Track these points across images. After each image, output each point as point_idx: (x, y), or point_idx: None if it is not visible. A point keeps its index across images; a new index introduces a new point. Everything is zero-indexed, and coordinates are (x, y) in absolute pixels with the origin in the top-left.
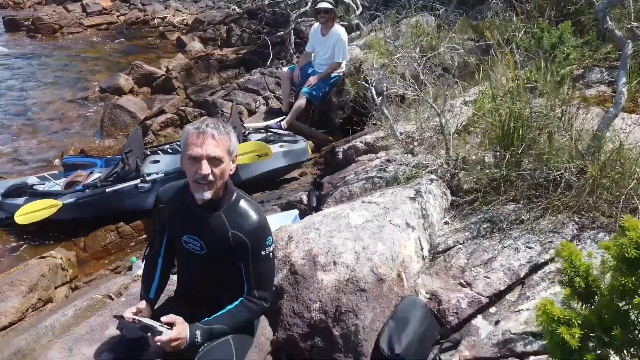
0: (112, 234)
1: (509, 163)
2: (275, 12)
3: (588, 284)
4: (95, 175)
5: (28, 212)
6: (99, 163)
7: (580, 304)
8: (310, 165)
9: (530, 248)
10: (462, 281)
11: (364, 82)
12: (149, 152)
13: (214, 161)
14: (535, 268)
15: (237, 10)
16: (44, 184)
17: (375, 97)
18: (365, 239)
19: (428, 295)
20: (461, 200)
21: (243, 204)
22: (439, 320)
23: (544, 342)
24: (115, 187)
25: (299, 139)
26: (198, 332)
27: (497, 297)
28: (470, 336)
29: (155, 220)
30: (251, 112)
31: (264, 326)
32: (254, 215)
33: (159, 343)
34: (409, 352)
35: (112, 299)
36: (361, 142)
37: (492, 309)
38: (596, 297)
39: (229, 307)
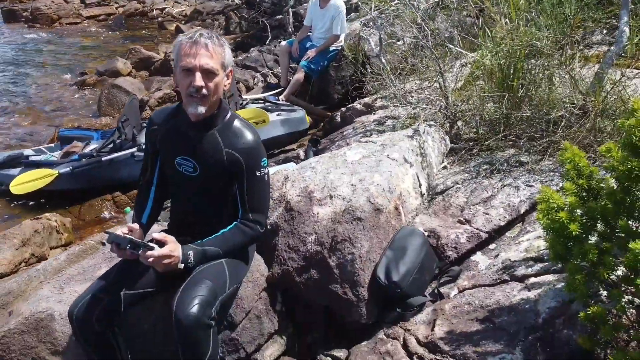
0: (109, 203)
1: (508, 104)
2: (274, 2)
3: (591, 187)
4: (92, 147)
5: (23, 182)
6: (95, 136)
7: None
8: (308, 140)
9: (530, 186)
10: (462, 219)
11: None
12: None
13: (208, 74)
14: (536, 205)
15: (236, 0)
16: (40, 155)
17: (373, 46)
18: (362, 173)
19: (427, 233)
20: (460, 145)
21: (237, 123)
22: (437, 255)
23: (544, 265)
24: (112, 156)
25: (297, 108)
26: (191, 253)
27: (496, 233)
28: (470, 270)
29: (147, 145)
30: (249, 88)
31: (258, 263)
32: (248, 135)
33: (150, 259)
34: (406, 281)
35: (105, 245)
36: (359, 104)
37: (492, 245)
38: (600, 199)
39: (223, 230)
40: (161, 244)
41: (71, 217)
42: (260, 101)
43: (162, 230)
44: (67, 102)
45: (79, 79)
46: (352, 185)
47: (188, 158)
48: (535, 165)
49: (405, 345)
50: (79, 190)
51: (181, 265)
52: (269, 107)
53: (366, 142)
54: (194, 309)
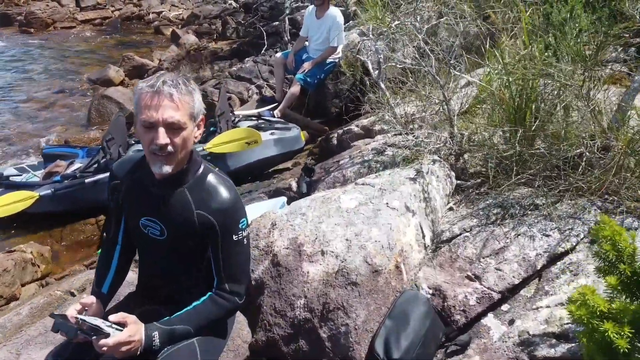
0: (92, 227)
1: (521, 140)
2: (272, 7)
3: (635, 272)
4: (76, 166)
5: (2, 205)
6: (80, 153)
7: (625, 296)
8: (305, 156)
9: (547, 236)
10: (470, 274)
11: (361, 59)
12: (133, 142)
13: (174, 129)
14: (554, 259)
15: (234, 4)
16: (22, 175)
17: (371, 70)
18: (358, 225)
19: (431, 291)
20: (467, 184)
21: (211, 178)
22: (443, 319)
23: (570, 345)
24: (96, 178)
25: (291, 126)
26: (156, 334)
27: (510, 293)
28: (481, 338)
29: (109, 201)
30: (243, 101)
31: (241, 327)
32: (224, 193)
33: (104, 348)
34: (409, 357)
35: (74, 295)
36: (357, 127)
37: (505, 307)
38: None
39: (195, 303)
40: (119, 325)
41: (51, 242)
42: (253, 118)
43: (129, 294)
44: (56, 112)
45: (70, 86)
46: (346, 240)
47: (154, 220)
48: (552, 209)
49: None
50: (61, 213)
51: (142, 349)
52: (262, 125)
53: (363, 184)
54: None
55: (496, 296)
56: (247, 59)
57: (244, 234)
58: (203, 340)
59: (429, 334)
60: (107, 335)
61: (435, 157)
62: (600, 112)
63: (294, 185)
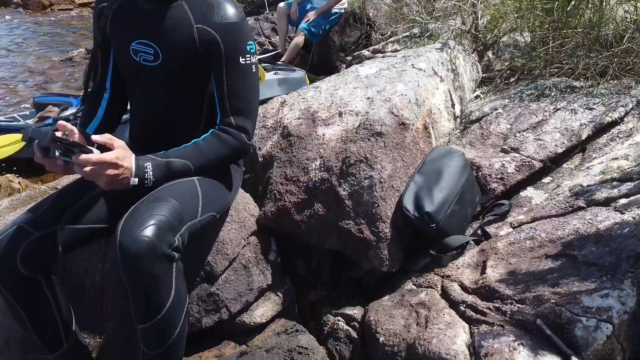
0: None
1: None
2: None
3: None
4: (70, 111)
5: None
6: (74, 102)
7: None
8: None
9: (590, 109)
10: (506, 147)
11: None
12: None
13: None
14: (600, 130)
15: None
16: (12, 122)
17: None
18: (381, 84)
19: None
20: (494, 74)
21: None
22: (480, 185)
23: (637, 182)
24: None
25: (295, 68)
26: (149, 166)
27: (553, 163)
28: (522, 207)
29: (95, 35)
30: None
31: (246, 201)
32: (228, 7)
33: (87, 167)
34: (443, 212)
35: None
36: (368, 51)
37: (546, 179)
38: None
39: (195, 140)
40: (104, 149)
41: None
42: None
43: None
44: (52, 77)
45: (67, 56)
46: (368, 98)
47: (147, 42)
48: (594, 86)
49: (445, 294)
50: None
51: (134, 181)
52: (266, 67)
53: (382, 56)
54: (148, 230)
55: (537, 165)
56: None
57: (253, 60)
58: (205, 182)
59: (465, 192)
60: (90, 151)
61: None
62: None
63: None
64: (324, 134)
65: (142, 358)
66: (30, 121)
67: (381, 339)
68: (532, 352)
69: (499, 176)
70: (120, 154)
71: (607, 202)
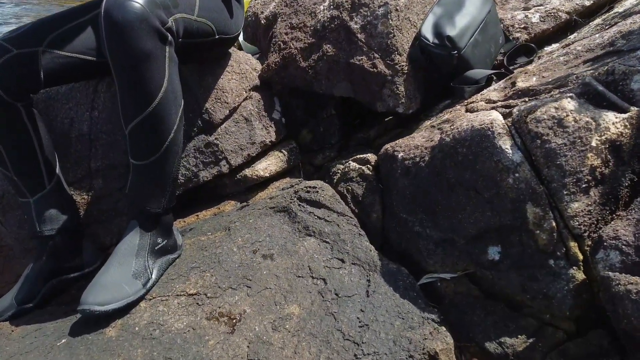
0: None
1: None
2: None
3: None
4: None
5: None
6: None
7: None
8: None
9: None
10: (528, 5)
11: None
12: None
13: None
14: None
15: None
16: None
17: None
18: None
19: None
20: None
21: None
22: (503, 33)
23: None
24: None
25: None
26: None
27: (580, 17)
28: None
29: None
30: None
31: (248, 57)
32: None
33: None
34: (465, 39)
35: None
36: None
37: (572, 36)
38: None
39: None
40: None
41: None
42: None
43: None
44: None
45: None
46: None
47: None
48: None
49: (472, 110)
50: None
51: None
52: None
53: None
54: None
55: (563, 16)
56: None
57: None
58: None
59: (489, 24)
60: None
61: None
62: None
63: None
64: None
65: (131, 176)
66: None
67: (400, 154)
68: (582, 108)
69: (523, 25)
70: None
71: None
